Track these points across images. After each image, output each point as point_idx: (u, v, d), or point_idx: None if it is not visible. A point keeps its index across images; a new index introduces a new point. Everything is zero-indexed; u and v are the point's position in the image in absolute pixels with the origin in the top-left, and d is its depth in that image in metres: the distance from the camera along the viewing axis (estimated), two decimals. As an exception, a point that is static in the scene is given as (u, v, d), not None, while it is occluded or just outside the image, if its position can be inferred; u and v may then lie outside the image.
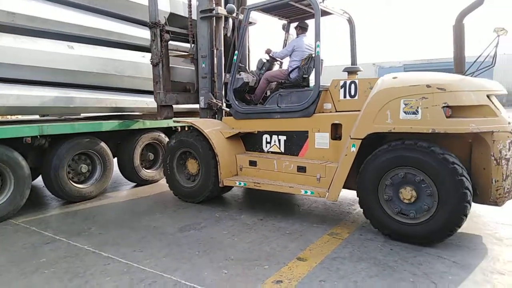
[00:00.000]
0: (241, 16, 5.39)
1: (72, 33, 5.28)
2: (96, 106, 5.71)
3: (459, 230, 3.71)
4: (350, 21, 5.35)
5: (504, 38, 3.81)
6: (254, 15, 5.77)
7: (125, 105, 6.02)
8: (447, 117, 3.35)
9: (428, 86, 3.44)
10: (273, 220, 4.34)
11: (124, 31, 5.67)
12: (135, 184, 6.35)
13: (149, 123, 5.96)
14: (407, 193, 3.52)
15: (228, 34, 5.62)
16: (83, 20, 5.34)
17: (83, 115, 6.79)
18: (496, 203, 3.52)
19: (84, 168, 5.32)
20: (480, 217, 4.30)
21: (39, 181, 5.59)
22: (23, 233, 4.06)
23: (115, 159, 6.01)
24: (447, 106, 3.36)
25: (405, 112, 3.50)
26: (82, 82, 5.45)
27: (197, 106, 5.70)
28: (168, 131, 6.51)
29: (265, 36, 6.99)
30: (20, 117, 7.14)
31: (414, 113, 3.46)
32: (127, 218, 4.54)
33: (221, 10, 5.29)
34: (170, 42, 5.60)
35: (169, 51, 5.62)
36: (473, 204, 3.46)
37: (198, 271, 3.07)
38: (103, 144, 5.49)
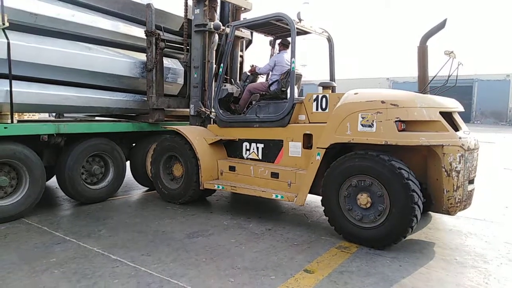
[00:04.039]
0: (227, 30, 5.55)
1: (90, 35, 5.39)
2: (112, 107, 5.79)
3: (473, 251, 3.64)
4: (329, 39, 5.60)
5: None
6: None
7: (141, 106, 6.08)
8: (399, 130, 3.63)
9: (382, 102, 3.74)
10: (282, 230, 4.34)
11: (140, 35, 5.78)
12: (147, 188, 6.39)
13: (162, 126, 6.01)
14: (364, 199, 3.77)
15: (214, 48, 5.91)
16: (101, 23, 5.44)
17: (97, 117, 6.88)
18: (448, 212, 3.78)
19: (97, 169, 5.39)
20: (487, 236, 4.25)
21: (52, 182, 5.68)
22: (35, 232, 4.14)
23: (128, 162, 6.07)
24: (400, 121, 3.65)
25: (362, 125, 3.81)
26: (99, 83, 5.55)
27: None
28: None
29: (260, 48, 7.24)
30: (36, 116, 7.28)
31: (369, 126, 3.76)
32: (137, 222, 4.59)
33: None
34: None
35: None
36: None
37: (205, 278, 3.09)
38: (116, 146, 5.57)
